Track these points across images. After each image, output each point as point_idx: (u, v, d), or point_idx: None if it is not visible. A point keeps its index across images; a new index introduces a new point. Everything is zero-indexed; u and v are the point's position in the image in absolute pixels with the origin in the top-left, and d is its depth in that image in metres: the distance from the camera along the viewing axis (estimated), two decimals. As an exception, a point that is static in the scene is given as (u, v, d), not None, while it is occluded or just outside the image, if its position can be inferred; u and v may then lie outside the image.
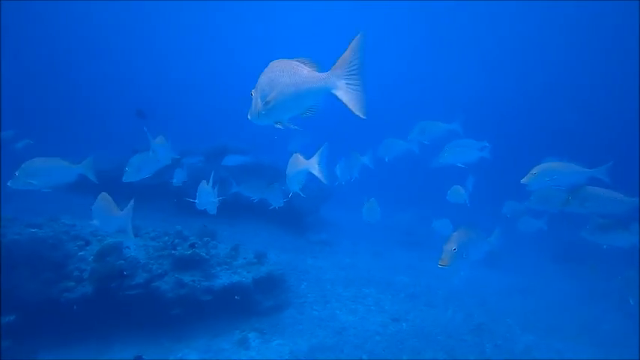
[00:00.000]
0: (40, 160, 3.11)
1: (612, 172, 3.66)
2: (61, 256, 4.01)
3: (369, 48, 1.71)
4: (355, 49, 1.71)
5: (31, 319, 3.83)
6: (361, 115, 1.71)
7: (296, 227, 8.37)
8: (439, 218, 7.21)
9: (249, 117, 1.98)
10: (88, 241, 4.38)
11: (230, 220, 7.16)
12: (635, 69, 16.49)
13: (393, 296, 6.29)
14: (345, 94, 1.73)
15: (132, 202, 3.12)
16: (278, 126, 2.02)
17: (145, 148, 4.05)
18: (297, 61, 1.88)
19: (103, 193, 3.12)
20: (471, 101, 22.27)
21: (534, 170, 3.79)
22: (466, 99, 22.54)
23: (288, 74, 1.85)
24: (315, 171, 2.94)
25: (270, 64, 1.95)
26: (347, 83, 1.73)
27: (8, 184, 3.03)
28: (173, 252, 4.76)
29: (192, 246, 4.77)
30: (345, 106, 1.71)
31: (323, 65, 1.83)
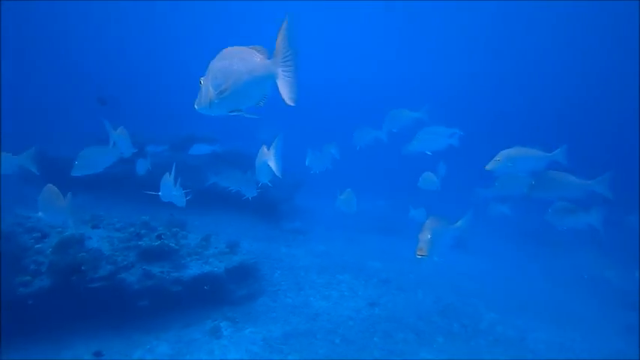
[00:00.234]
0: None
1: (569, 155, 3.81)
2: (15, 249, 3.81)
3: (297, 35, 1.72)
4: (284, 35, 1.72)
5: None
6: (290, 103, 1.72)
7: (270, 216, 8.30)
8: (416, 207, 7.38)
9: (196, 107, 1.90)
10: (45, 233, 4.18)
11: (201, 209, 7.00)
12: (627, 65, 16.84)
13: (366, 281, 6.36)
14: (280, 81, 1.74)
15: (69, 194, 3.05)
16: (235, 114, 1.97)
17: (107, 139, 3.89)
18: (250, 48, 1.84)
19: (49, 184, 3.01)
20: (455, 92, 22.58)
21: (497, 157, 3.88)
22: (447, 89, 22.85)
23: (243, 62, 1.81)
24: (272, 163, 2.94)
25: (222, 51, 1.89)
26: (282, 70, 1.74)
27: None
28: (139, 243, 4.62)
29: (159, 237, 4.64)
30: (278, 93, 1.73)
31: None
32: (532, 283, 7.03)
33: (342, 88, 26.71)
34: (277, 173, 3.00)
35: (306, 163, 5.98)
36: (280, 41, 1.73)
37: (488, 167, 3.92)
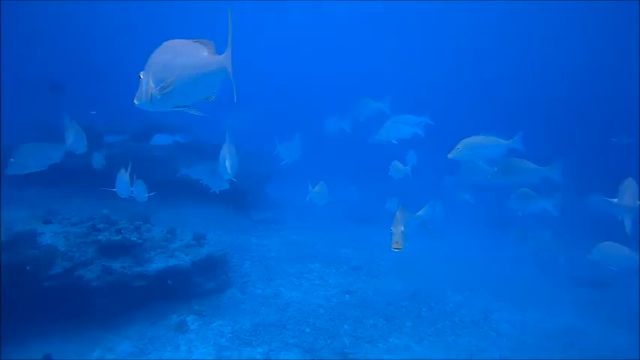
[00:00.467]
0: None
1: (526, 141, 3.95)
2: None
3: (237, 28, 1.75)
4: (229, 31, 1.72)
5: None
6: (234, 98, 1.75)
7: (239, 206, 8.15)
8: (391, 197, 7.50)
9: (135, 102, 1.80)
10: (-7, 231, 3.91)
11: (167, 201, 6.77)
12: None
13: (337, 270, 6.37)
14: (232, 77, 1.75)
15: None
16: (179, 109, 1.88)
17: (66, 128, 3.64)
18: (194, 42, 1.77)
19: None
20: (431, 81, 22.77)
21: (458, 145, 3.98)
22: (424, 80, 23.04)
23: (187, 56, 1.75)
24: (227, 163, 2.97)
25: (164, 44, 1.80)
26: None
27: None
28: (98, 238, 4.41)
29: (118, 232, 4.44)
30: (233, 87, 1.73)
31: (219, 47, 1.80)
32: (495, 266, 7.26)
33: (313, 78, 26.50)
34: (230, 173, 3.03)
35: (275, 153, 5.93)
36: (230, 38, 1.73)
37: (450, 155, 4.02)
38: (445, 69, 23.47)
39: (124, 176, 3.73)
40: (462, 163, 4.68)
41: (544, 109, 19.35)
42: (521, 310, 5.41)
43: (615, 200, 3.39)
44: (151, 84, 1.74)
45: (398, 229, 3.05)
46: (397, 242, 3.01)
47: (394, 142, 5.35)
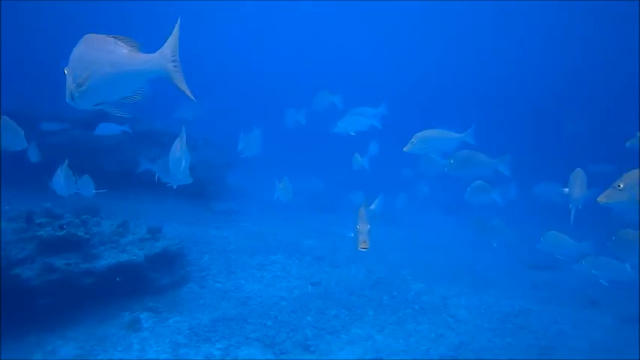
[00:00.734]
0: None
1: (478, 135, 4.08)
2: None
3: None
4: (178, 33, 1.70)
5: None
6: (192, 97, 1.71)
7: (198, 197, 7.85)
8: (355, 190, 7.55)
9: (67, 99, 1.73)
10: None
11: (119, 192, 6.37)
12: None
13: (300, 260, 6.30)
14: (177, 77, 1.70)
15: None
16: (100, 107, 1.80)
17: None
18: (113, 37, 1.68)
19: None
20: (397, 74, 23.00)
21: (412, 139, 4.06)
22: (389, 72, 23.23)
23: (105, 52, 1.65)
24: (183, 162, 2.86)
25: (84, 37, 1.69)
26: (174, 66, 1.69)
27: None
28: (39, 234, 4.05)
29: (61, 227, 4.10)
30: (177, 88, 1.70)
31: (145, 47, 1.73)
32: (454, 252, 7.48)
33: (283, 71, 26.11)
34: (181, 172, 2.91)
35: (239, 147, 5.83)
36: (174, 37, 1.69)
37: (405, 149, 4.11)
38: (412, 63, 23.82)
39: (61, 174, 3.40)
40: (420, 156, 4.82)
41: (502, 103, 20.15)
42: (477, 295, 5.60)
43: (566, 190, 3.53)
44: (70, 81, 1.67)
45: (364, 227, 2.94)
46: (365, 242, 2.90)
47: (352, 134, 5.48)
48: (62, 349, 3.62)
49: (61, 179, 3.46)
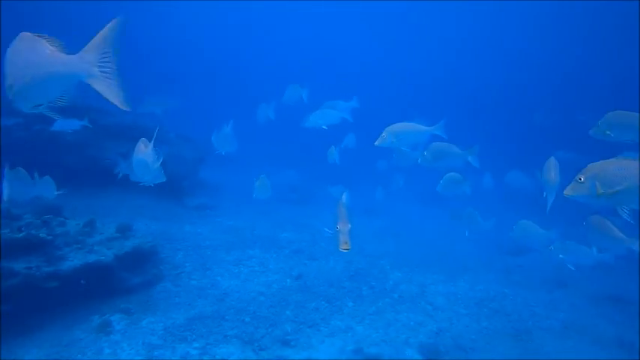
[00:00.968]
0: None
1: (448, 128, 4.14)
2: None
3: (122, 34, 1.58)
4: (110, 34, 1.54)
5: None
6: (123, 107, 1.55)
7: (170, 193, 7.58)
8: (336, 184, 7.52)
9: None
10: None
11: (83, 189, 6.08)
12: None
13: (278, 254, 6.22)
14: (101, 83, 1.54)
15: None
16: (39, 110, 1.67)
17: None
18: (39, 36, 1.56)
19: None
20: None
21: (384, 133, 4.12)
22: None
23: (27, 52, 1.54)
24: (149, 160, 2.72)
25: (18, 36, 1.57)
26: (102, 71, 1.54)
27: None
28: (-5, 236, 3.78)
29: (20, 229, 3.85)
30: (102, 95, 1.54)
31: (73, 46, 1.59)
32: (431, 241, 7.59)
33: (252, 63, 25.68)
34: (154, 174, 2.78)
35: (214, 144, 5.70)
36: (101, 39, 1.53)
37: (376, 143, 4.15)
38: (387, 57, 23.88)
39: (8, 179, 3.16)
40: (394, 149, 4.89)
41: (475, 94, 20.53)
42: (454, 282, 5.69)
43: (541, 178, 3.58)
44: (6, 82, 1.56)
45: (345, 227, 2.82)
46: (346, 242, 2.77)
47: (324, 127, 5.51)
48: (25, 357, 3.41)
49: (6, 186, 3.20)
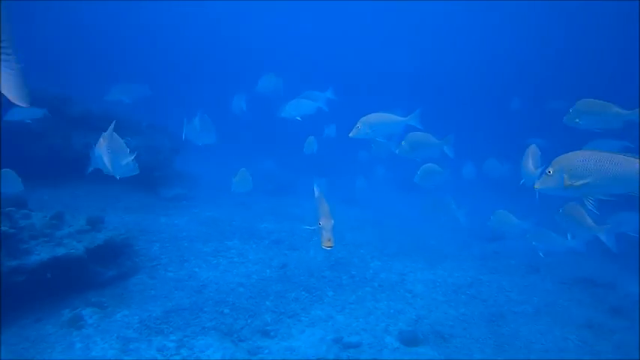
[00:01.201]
0: None
1: (422, 118, 4.16)
2: None
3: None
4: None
5: None
6: (22, 104, 1.37)
7: (144, 184, 7.35)
8: (318, 177, 7.47)
9: None
10: None
11: (50, 180, 5.80)
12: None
13: (257, 245, 6.14)
14: None
15: None
16: None
17: None
18: None
19: None
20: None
21: (358, 124, 4.09)
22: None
23: None
24: (105, 159, 2.58)
25: None
26: None
27: None
28: (-47, 229, 3.55)
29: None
30: None
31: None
32: (410, 229, 7.67)
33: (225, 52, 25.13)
34: (110, 170, 2.66)
35: (187, 135, 5.53)
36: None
37: (350, 134, 4.13)
38: (365, 46, 23.81)
39: None
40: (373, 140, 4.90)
41: (452, 84, 20.79)
42: (433, 269, 5.77)
43: (524, 167, 3.63)
44: None
45: (328, 223, 2.66)
46: (329, 240, 2.62)
47: (298, 118, 5.51)
48: (-11, 356, 3.24)
49: None
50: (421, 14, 21.16)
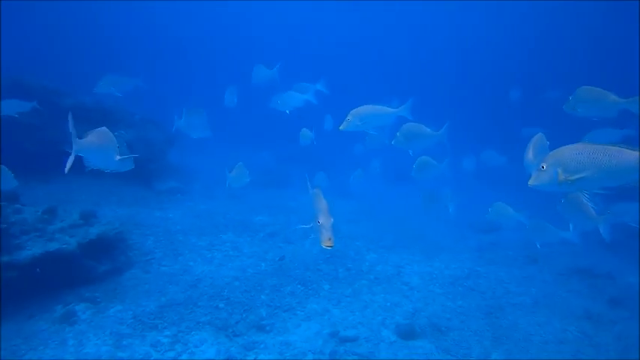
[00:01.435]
0: None
1: (413, 109, 4.08)
2: None
3: None
4: None
5: None
6: None
7: (137, 177, 7.24)
8: (318, 171, 7.42)
9: None
10: None
11: (42, 175, 5.70)
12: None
13: (252, 238, 6.09)
14: None
15: None
16: None
17: None
18: None
19: None
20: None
21: (348, 116, 4.00)
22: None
23: None
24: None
25: None
26: None
27: None
28: (-60, 224, 3.47)
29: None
30: None
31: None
32: (406, 221, 7.62)
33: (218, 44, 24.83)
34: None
35: (184, 129, 5.44)
36: None
37: (341, 127, 4.05)
38: (361, 37, 23.58)
39: None
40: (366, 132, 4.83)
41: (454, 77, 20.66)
42: (429, 261, 5.73)
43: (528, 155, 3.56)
44: None
45: (328, 221, 2.54)
46: (330, 239, 2.50)
47: (287, 112, 5.48)
48: (-22, 354, 3.19)
49: None
50: (417, 5, 20.93)
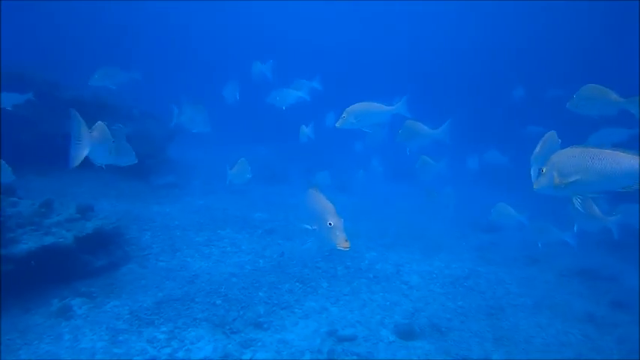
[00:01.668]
0: None
1: (409, 106, 4.04)
2: None
3: None
4: None
5: None
6: None
7: (136, 171, 7.14)
8: (321, 170, 7.40)
9: None
10: None
11: (39, 167, 5.64)
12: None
13: (251, 234, 6.04)
14: None
15: None
16: None
17: None
18: None
19: None
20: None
21: (344, 114, 3.96)
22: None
23: None
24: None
25: None
26: None
27: None
28: None
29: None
30: None
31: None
32: (405, 220, 7.57)
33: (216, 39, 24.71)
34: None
35: (185, 124, 5.37)
36: None
37: (337, 125, 4.01)
38: (359, 34, 23.45)
39: None
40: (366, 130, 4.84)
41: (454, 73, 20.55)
42: (429, 260, 5.69)
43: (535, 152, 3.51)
44: None
45: (338, 222, 2.49)
46: (346, 240, 2.44)
47: (283, 108, 5.49)
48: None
49: None
50: (420, 3, 20.83)
